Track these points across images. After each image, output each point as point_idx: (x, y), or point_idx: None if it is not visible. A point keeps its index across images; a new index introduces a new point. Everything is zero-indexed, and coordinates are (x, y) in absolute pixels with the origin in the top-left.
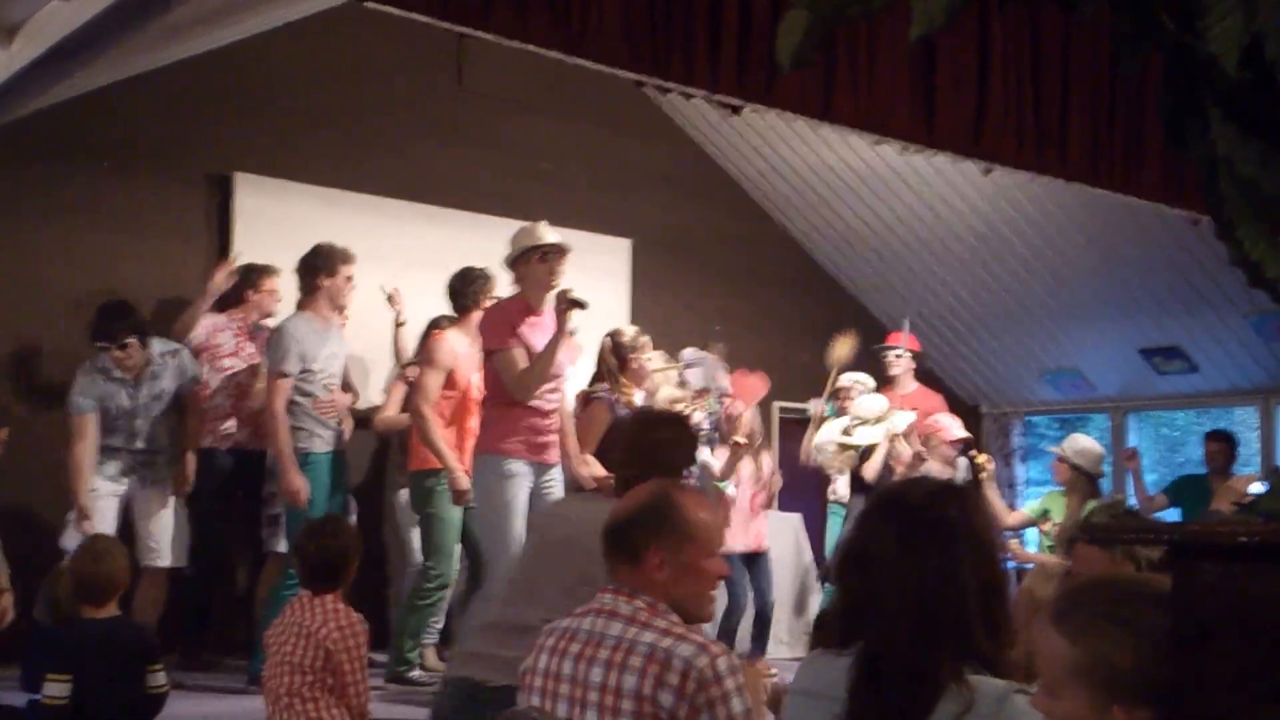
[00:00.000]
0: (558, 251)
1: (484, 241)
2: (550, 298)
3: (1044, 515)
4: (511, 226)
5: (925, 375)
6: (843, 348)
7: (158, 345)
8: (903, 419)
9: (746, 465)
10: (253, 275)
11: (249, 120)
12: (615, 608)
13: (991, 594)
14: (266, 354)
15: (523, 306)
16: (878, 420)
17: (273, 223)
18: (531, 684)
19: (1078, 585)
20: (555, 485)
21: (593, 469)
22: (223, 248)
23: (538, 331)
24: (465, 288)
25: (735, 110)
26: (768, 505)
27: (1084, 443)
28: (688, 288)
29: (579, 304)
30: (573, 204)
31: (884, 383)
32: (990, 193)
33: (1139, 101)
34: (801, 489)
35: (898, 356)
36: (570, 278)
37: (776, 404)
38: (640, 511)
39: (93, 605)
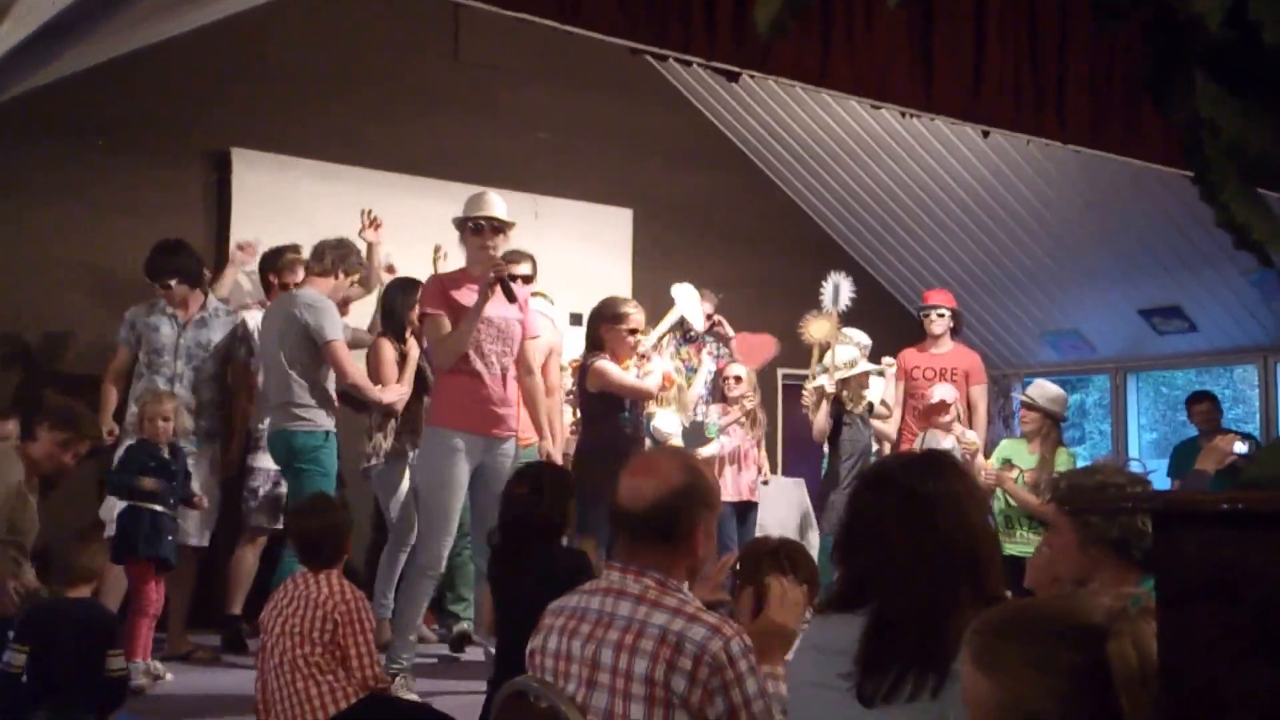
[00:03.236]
0: (490, 226)
1: None
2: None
3: (1007, 464)
4: (511, 198)
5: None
6: (820, 327)
7: (214, 300)
8: (856, 369)
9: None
10: (276, 261)
11: (246, 96)
12: (624, 586)
13: (993, 541)
14: (312, 325)
15: (459, 276)
16: (845, 367)
17: (271, 198)
18: (541, 664)
19: (992, 622)
20: (508, 459)
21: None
22: (221, 224)
23: (471, 301)
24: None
25: (733, 77)
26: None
27: (1052, 389)
28: (690, 256)
29: (504, 282)
30: (573, 174)
31: (921, 341)
32: (990, 155)
33: (1137, 62)
34: (804, 455)
35: (940, 315)
36: (572, 249)
37: (781, 370)
38: (686, 493)
39: (70, 586)
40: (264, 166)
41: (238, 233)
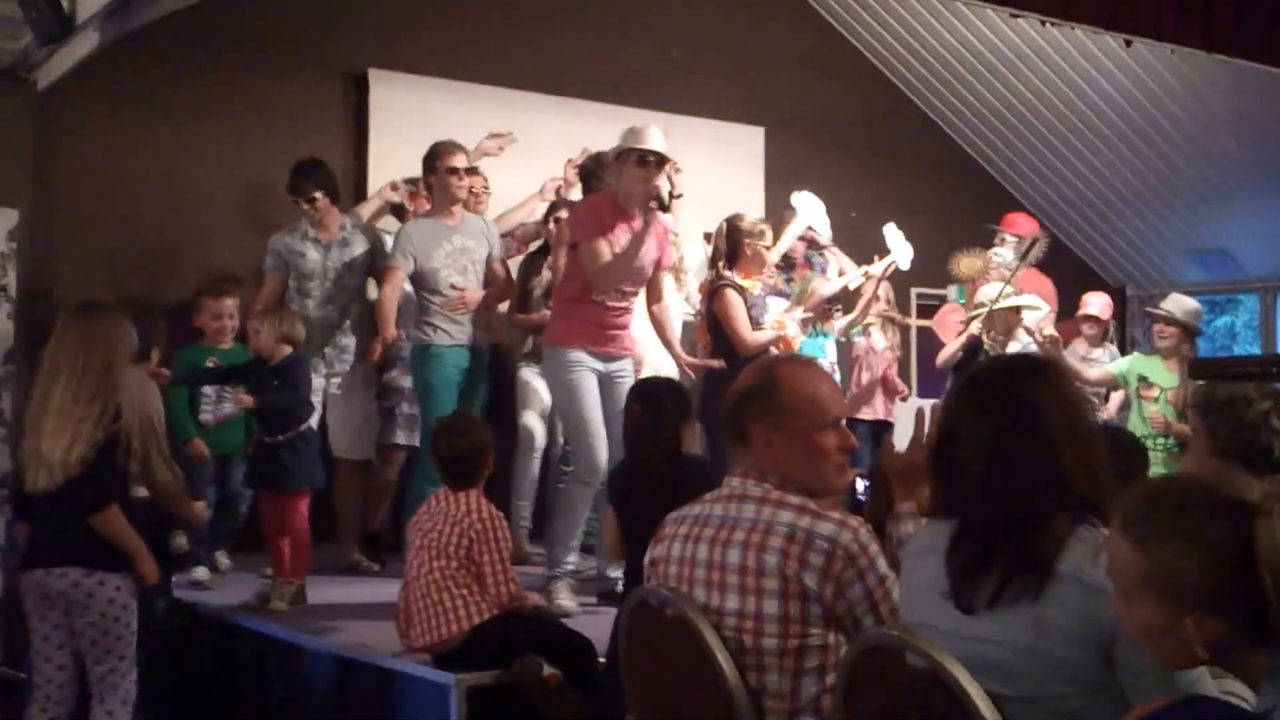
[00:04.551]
0: (656, 161)
1: (617, 132)
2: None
3: (1145, 382)
4: (643, 116)
5: (1064, 258)
6: (971, 264)
7: (349, 218)
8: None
9: (881, 338)
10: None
11: (383, 16)
12: (745, 490)
13: (1085, 444)
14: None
15: (613, 204)
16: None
17: (408, 119)
18: (665, 572)
19: (1144, 493)
20: (626, 375)
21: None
22: (360, 145)
23: (622, 232)
24: (599, 170)
25: None
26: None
27: (1189, 302)
28: (823, 174)
29: (660, 202)
30: (704, 92)
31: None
32: (1132, 68)
33: None
34: (938, 377)
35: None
36: (704, 167)
37: (915, 290)
38: (745, 391)
39: None
40: (402, 87)
41: (376, 155)
